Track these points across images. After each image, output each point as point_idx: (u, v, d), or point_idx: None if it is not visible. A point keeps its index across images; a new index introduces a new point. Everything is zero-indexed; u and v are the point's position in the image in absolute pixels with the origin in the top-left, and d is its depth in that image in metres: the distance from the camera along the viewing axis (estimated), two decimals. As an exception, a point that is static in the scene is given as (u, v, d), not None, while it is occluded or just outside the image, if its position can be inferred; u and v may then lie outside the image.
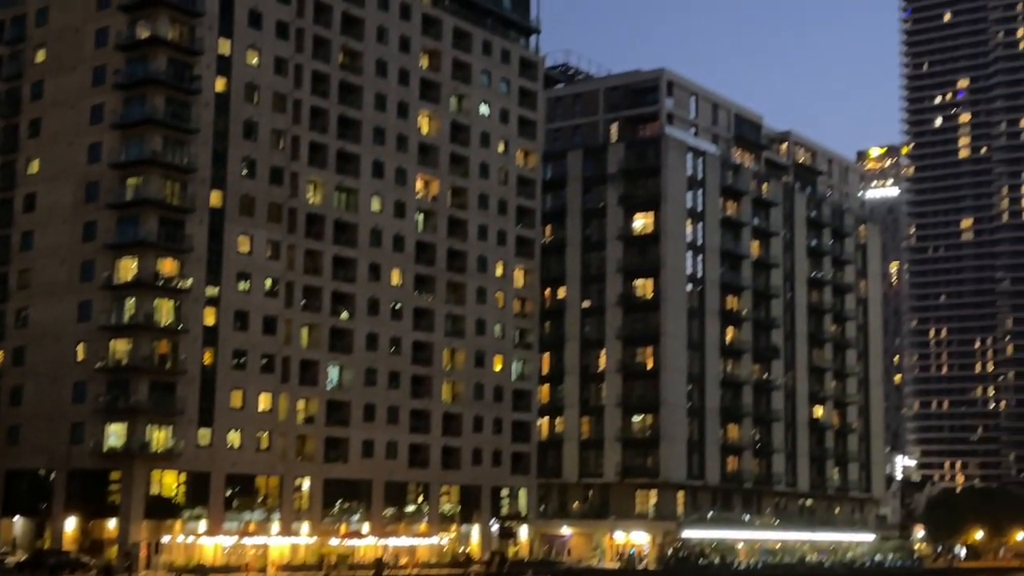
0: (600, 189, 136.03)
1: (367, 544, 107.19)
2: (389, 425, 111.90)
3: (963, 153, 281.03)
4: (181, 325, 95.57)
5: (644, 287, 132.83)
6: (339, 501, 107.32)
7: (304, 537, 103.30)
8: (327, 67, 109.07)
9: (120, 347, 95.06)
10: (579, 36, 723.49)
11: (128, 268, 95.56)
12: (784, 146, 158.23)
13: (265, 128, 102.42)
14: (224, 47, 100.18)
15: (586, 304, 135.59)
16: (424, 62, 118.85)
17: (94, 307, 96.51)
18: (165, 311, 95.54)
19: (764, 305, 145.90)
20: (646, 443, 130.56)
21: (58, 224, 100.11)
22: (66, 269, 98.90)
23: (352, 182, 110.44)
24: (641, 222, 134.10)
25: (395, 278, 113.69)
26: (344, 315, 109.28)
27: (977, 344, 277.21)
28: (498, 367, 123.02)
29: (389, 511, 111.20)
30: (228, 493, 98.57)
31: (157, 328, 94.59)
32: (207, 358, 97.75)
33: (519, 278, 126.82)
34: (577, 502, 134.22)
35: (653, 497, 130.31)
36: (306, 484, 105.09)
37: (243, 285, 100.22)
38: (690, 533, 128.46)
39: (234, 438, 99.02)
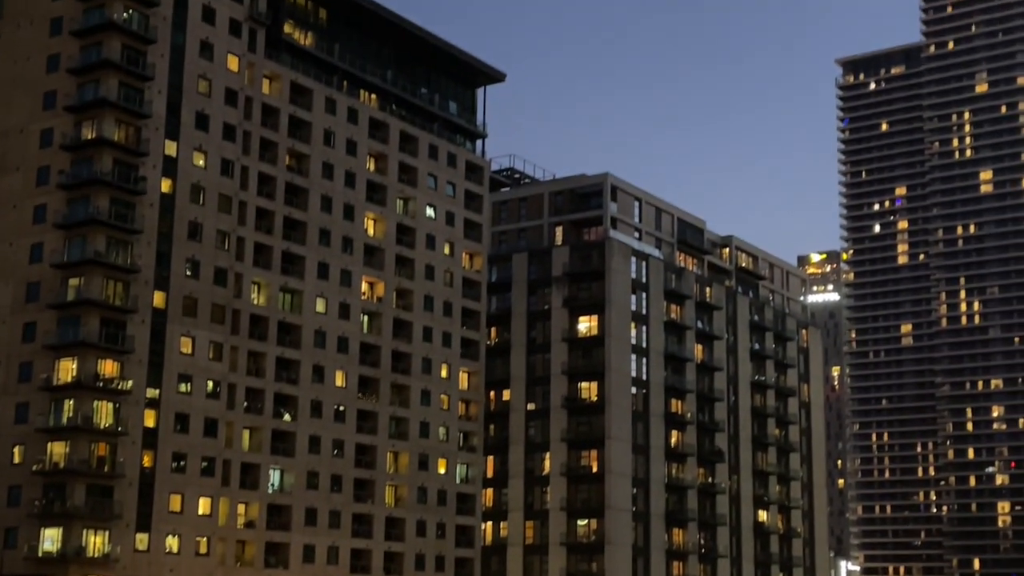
0: (545, 292, 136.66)
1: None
2: (331, 529, 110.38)
3: (901, 259, 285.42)
4: (120, 427, 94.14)
5: (589, 390, 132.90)
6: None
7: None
8: (273, 169, 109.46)
9: (57, 449, 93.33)
10: (524, 140, 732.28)
11: (67, 369, 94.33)
12: (726, 251, 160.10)
13: (210, 229, 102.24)
14: (170, 148, 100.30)
15: (531, 407, 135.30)
16: (371, 165, 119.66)
17: (31, 409, 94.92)
18: (104, 413, 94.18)
19: (708, 408, 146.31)
20: (591, 548, 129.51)
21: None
22: (3, 370, 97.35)
23: (297, 283, 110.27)
24: (586, 325, 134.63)
25: (339, 380, 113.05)
26: (286, 417, 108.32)
27: (918, 448, 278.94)
28: (442, 470, 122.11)
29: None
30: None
31: (96, 430, 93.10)
32: (146, 461, 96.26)
33: (464, 380, 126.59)
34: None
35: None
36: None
37: (184, 387, 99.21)
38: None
39: (172, 543, 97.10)
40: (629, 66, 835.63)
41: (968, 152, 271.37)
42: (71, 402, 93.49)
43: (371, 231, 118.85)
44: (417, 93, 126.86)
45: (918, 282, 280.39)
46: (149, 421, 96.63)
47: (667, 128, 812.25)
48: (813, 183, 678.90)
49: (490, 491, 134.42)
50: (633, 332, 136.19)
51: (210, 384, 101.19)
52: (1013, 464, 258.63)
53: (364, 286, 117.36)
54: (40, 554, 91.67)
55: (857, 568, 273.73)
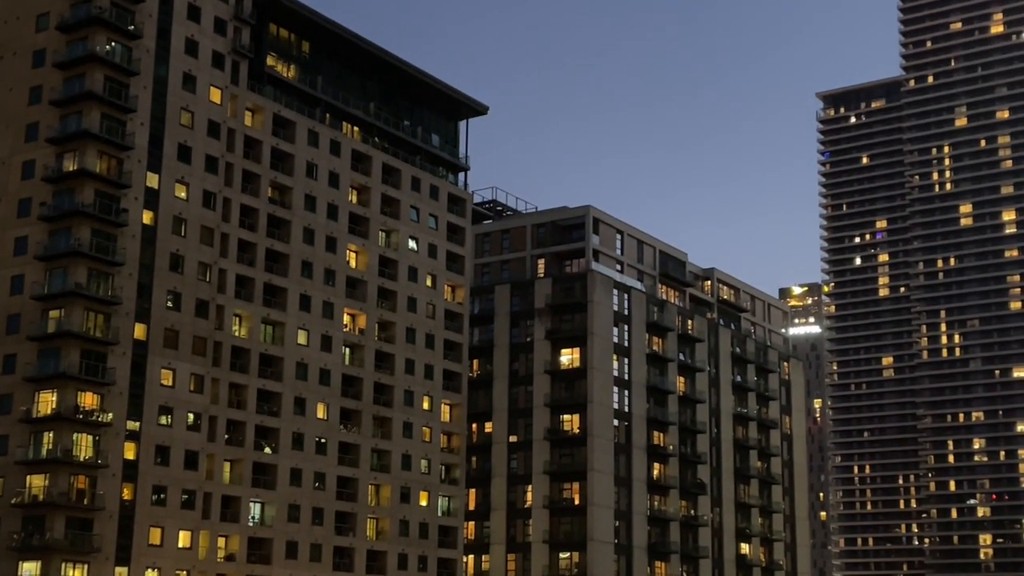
0: (527, 324, 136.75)
1: None
2: (312, 563, 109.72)
3: (882, 292, 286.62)
4: (100, 460, 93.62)
5: (571, 422, 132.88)
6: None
7: None
8: (256, 200, 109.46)
9: (36, 482, 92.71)
10: (505, 169, 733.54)
11: (47, 401, 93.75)
12: (708, 283, 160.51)
13: (191, 261, 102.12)
14: (152, 180, 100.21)
15: (513, 439, 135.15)
16: (353, 197, 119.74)
17: (11, 441, 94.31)
18: (84, 446, 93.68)
19: (690, 440, 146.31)
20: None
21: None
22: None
23: (278, 315, 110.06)
24: (568, 357, 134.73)
25: (320, 412, 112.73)
26: (267, 450, 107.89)
27: (900, 481, 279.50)
28: (424, 503, 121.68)
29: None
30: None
31: (75, 463, 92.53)
32: (126, 493, 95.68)
33: (446, 412, 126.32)
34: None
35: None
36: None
37: (165, 419, 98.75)
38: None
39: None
40: (609, 101, 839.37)
41: (948, 185, 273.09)
42: (51, 434, 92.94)
43: (353, 263, 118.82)
44: (400, 125, 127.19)
45: (899, 315, 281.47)
46: (129, 453, 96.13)
47: (648, 160, 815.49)
48: (794, 216, 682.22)
49: (472, 524, 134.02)
50: (615, 364, 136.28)
51: (191, 416, 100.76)
52: (994, 497, 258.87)
53: (346, 318, 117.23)
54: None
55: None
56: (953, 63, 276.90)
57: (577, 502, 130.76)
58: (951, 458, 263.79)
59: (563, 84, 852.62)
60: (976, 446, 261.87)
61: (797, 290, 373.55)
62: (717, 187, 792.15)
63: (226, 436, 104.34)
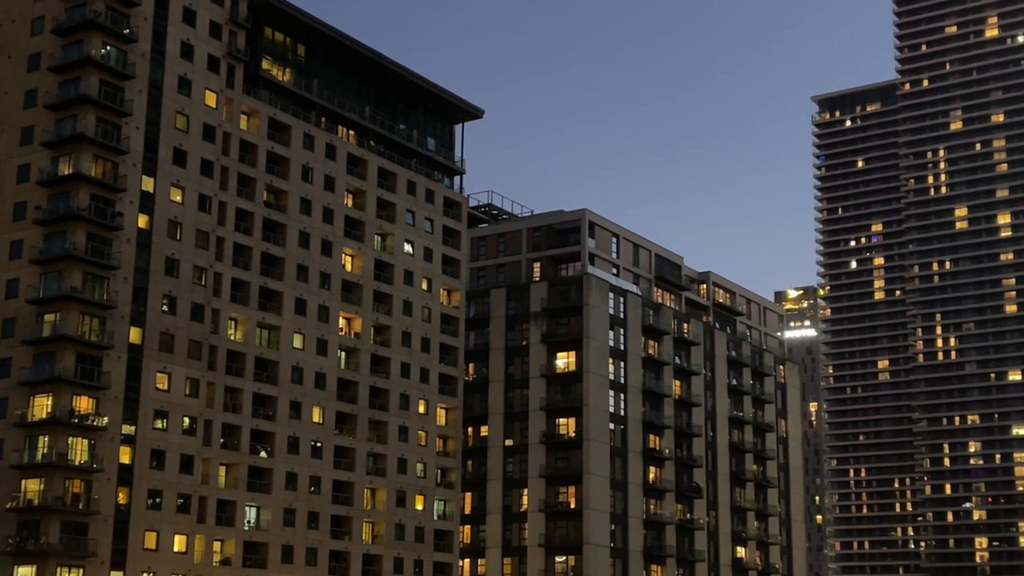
0: (523, 327, 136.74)
1: None
2: (307, 567, 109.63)
3: (878, 295, 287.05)
4: (95, 464, 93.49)
5: (567, 425, 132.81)
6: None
7: None
8: (251, 204, 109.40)
9: (32, 487, 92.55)
10: (502, 175, 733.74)
11: (43, 405, 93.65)
12: (704, 287, 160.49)
13: (187, 265, 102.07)
14: (148, 184, 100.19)
15: (509, 442, 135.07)
16: (348, 200, 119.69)
17: (6, 446, 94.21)
18: (79, 450, 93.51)
19: (686, 444, 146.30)
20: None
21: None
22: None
23: (274, 319, 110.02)
24: (563, 360, 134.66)
25: (316, 416, 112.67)
26: (263, 454, 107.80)
27: (896, 484, 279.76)
28: (419, 506, 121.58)
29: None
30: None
31: (70, 467, 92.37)
32: (121, 498, 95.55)
33: (441, 416, 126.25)
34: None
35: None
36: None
37: (160, 423, 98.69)
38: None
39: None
40: (605, 105, 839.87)
41: (943, 189, 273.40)
42: (46, 439, 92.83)
43: (349, 267, 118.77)
44: (395, 129, 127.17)
45: (894, 318, 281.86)
46: (124, 458, 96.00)
47: (644, 163, 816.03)
48: (790, 219, 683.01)
49: (468, 528, 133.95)
50: (611, 368, 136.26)
51: (186, 420, 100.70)
52: (990, 500, 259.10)
53: (342, 322, 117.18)
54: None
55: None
56: (948, 67, 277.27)
57: (573, 506, 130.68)
58: (947, 461, 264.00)
59: (559, 88, 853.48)
60: (972, 449, 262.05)
61: (793, 293, 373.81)
62: (713, 191, 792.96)
63: (221, 440, 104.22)
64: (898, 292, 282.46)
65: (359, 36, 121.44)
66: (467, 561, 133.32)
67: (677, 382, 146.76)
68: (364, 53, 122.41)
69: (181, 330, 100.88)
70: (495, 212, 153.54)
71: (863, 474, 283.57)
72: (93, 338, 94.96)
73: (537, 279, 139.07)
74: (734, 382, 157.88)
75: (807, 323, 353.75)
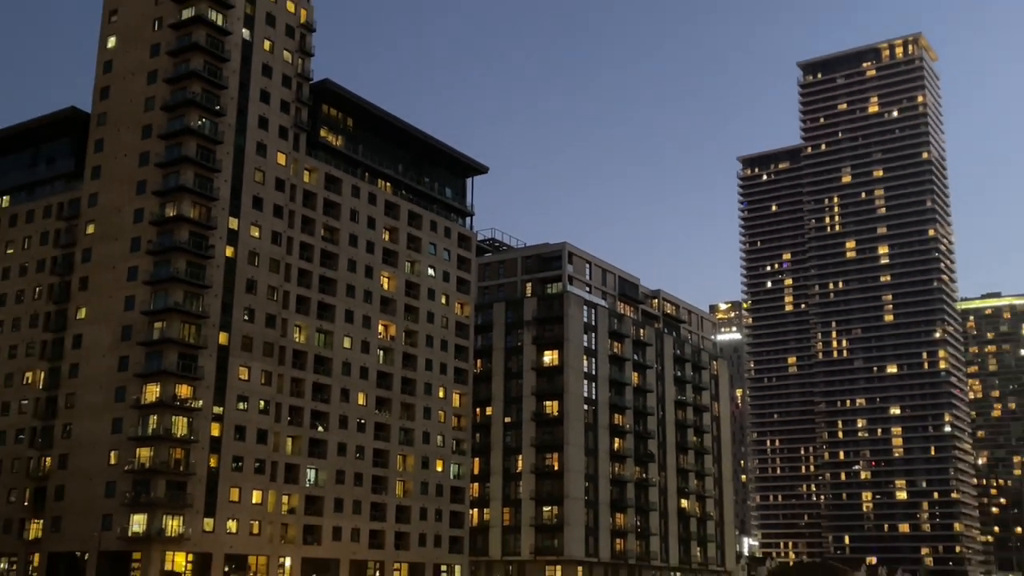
0: (518, 332, 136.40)
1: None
2: (354, 515, 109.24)
3: (788, 308, 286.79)
4: (192, 436, 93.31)
5: (552, 407, 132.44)
6: (313, 575, 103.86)
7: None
8: (312, 239, 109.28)
9: (144, 454, 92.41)
10: (503, 211, 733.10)
11: (152, 392, 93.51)
12: (656, 301, 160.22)
13: (263, 285, 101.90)
14: (233, 223, 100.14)
15: (507, 420, 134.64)
16: (386, 236, 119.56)
17: (124, 422, 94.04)
18: (180, 425, 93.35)
19: (642, 421, 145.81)
20: (553, 528, 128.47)
21: (99, 358, 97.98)
22: (103, 393, 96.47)
23: (329, 326, 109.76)
24: (549, 357, 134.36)
25: (360, 399, 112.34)
26: (320, 428, 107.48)
27: (802, 451, 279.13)
28: (439, 469, 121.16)
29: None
30: (226, 569, 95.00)
31: (173, 439, 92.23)
32: (212, 462, 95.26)
33: (456, 400, 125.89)
34: None
35: (559, 572, 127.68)
36: (288, 562, 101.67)
37: (242, 405, 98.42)
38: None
39: (232, 525, 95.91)
40: (585, 163, 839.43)
41: (837, 227, 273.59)
42: (155, 417, 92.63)
43: (386, 286, 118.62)
44: (421, 182, 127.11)
45: (800, 325, 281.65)
46: (215, 431, 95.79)
47: (614, 208, 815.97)
48: (721, 249, 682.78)
49: (476, 485, 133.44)
50: (585, 363, 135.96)
51: (262, 403, 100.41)
52: (873, 463, 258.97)
53: (380, 328, 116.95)
54: (130, 534, 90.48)
55: (756, 543, 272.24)
56: (840, 135, 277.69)
57: (556, 468, 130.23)
58: (840, 434, 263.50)
59: (549, 146, 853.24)
60: (859, 424, 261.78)
61: (723, 306, 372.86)
62: (664, 227, 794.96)
63: (288, 418, 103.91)
64: (803, 305, 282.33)
65: (394, 110, 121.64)
66: (476, 510, 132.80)
67: (635, 374, 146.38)
68: (398, 125, 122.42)
69: (258, 334, 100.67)
70: (497, 244, 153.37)
71: (777, 444, 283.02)
72: (191, 340, 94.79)
73: (529, 295, 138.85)
74: (678, 374, 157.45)
75: (734, 329, 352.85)
